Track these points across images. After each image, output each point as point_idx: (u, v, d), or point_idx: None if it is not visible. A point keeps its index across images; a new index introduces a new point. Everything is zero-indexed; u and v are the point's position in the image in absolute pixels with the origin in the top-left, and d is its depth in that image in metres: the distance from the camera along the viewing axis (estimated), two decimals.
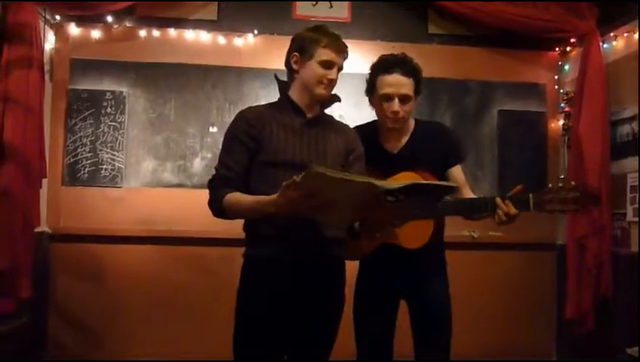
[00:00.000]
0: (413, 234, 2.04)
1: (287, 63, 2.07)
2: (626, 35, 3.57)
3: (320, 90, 2.00)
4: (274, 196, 1.79)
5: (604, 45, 3.69)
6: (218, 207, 1.97)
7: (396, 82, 2.11)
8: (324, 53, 1.98)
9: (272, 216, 1.84)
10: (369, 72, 2.22)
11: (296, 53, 2.03)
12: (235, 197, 1.93)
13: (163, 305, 3.80)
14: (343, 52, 2.03)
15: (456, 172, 2.23)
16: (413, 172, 2.07)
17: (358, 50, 4.18)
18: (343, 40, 2.06)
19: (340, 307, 2.08)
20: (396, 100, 2.11)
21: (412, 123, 2.26)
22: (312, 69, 1.99)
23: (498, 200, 1.93)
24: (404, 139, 2.23)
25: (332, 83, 2.02)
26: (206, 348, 3.68)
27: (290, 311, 1.96)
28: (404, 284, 2.22)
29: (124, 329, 3.78)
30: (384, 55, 2.21)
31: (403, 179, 2.03)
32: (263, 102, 2.17)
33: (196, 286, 3.80)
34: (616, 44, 3.66)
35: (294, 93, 2.06)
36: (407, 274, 2.20)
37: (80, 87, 3.83)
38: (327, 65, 1.99)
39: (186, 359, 3.72)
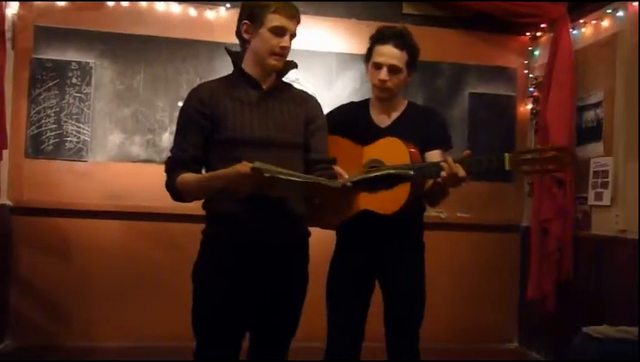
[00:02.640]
0: (387, 200, 2.05)
1: (239, 33, 1.98)
2: (594, 22, 3.62)
3: (272, 62, 1.93)
4: (223, 170, 1.76)
5: (574, 32, 3.74)
6: (173, 190, 1.92)
7: (388, 53, 2.16)
8: (275, 19, 1.89)
9: (219, 191, 1.80)
10: (368, 42, 2.26)
11: (246, 21, 1.92)
12: (186, 177, 1.88)
13: (129, 280, 3.76)
14: (294, 17, 1.95)
15: (434, 156, 2.22)
16: (398, 138, 2.11)
17: (332, 28, 4.18)
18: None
19: (303, 285, 2.05)
20: (384, 69, 2.16)
21: (405, 102, 2.32)
22: (264, 38, 1.90)
23: (447, 159, 1.93)
24: (394, 116, 2.27)
25: (285, 51, 1.94)
26: (173, 323, 3.66)
27: (251, 290, 1.92)
28: (378, 263, 2.24)
29: (89, 304, 3.72)
30: (384, 27, 2.26)
31: (385, 145, 2.10)
32: None
33: (163, 263, 3.77)
34: (585, 30, 3.72)
35: (248, 65, 1.97)
36: (382, 252, 2.22)
37: (44, 57, 3.71)
38: (279, 31, 1.90)
39: (151, 337, 3.71)
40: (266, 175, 1.63)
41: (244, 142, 1.76)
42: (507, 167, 1.88)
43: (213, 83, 2.02)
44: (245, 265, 1.90)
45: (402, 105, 2.30)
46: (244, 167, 1.69)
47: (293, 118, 1.97)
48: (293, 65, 2.02)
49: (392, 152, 2.06)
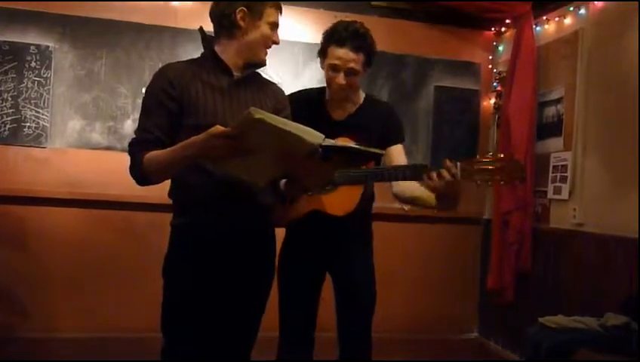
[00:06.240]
0: (339, 202, 2.06)
1: (227, 17, 1.88)
2: (557, 19, 3.69)
3: (263, 55, 1.94)
4: (193, 138, 1.68)
5: (537, 28, 3.81)
6: (138, 172, 1.82)
7: (345, 56, 2.10)
8: (272, 14, 1.90)
9: (193, 159, 1.74)
10: (322, 37, 2.19)
11: (243, 9, 1.87)
12: (153, 153, 1.79)
13: (89, 270, 3.68)
14: (281, 11, 1.97)
15: (397, 151, 2.24)
16: (352, 140, 2.08)
17: (300, 18, 4.15)
18: (283, 7, 2.00)
19: (270, 277, 2.05)
20: (342, 73, 2.11)
21: (362, 96, 2.28)
22: (262, 31, 1.89)
23: (446, 166, 1.85)
24: (351, 110, 2.24)
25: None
26: (134, 314, 3.61)
27: (219, 282, 1.90)
28: (328, 256, 2.25)
29: (47, 295, 3.64)
30: (339, 23, 2.16)
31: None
32: None
33: (124, 252, 3.71)
34: (548, 27, 3.78)
35: (225, 51, 1.91)
36: (332, 246, 2.23)
37: (1, 39, 3.58)
38: (274, 26, 1.93)
39: (111, 328, 3.65)
40: (257, 116, 1.53)
41: None
42: (458, 177, 1.82)
43: (182, 64, 1.96)
44: (214, 257, 1.88)
45: (359, 99, 2.26)
46: (217, 127, 1.63)
47: (263, 107, 1.92)
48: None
49: None
